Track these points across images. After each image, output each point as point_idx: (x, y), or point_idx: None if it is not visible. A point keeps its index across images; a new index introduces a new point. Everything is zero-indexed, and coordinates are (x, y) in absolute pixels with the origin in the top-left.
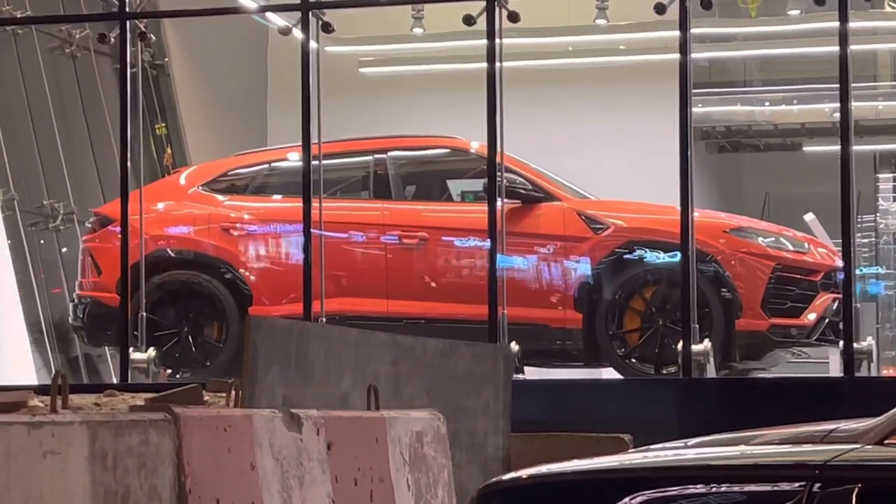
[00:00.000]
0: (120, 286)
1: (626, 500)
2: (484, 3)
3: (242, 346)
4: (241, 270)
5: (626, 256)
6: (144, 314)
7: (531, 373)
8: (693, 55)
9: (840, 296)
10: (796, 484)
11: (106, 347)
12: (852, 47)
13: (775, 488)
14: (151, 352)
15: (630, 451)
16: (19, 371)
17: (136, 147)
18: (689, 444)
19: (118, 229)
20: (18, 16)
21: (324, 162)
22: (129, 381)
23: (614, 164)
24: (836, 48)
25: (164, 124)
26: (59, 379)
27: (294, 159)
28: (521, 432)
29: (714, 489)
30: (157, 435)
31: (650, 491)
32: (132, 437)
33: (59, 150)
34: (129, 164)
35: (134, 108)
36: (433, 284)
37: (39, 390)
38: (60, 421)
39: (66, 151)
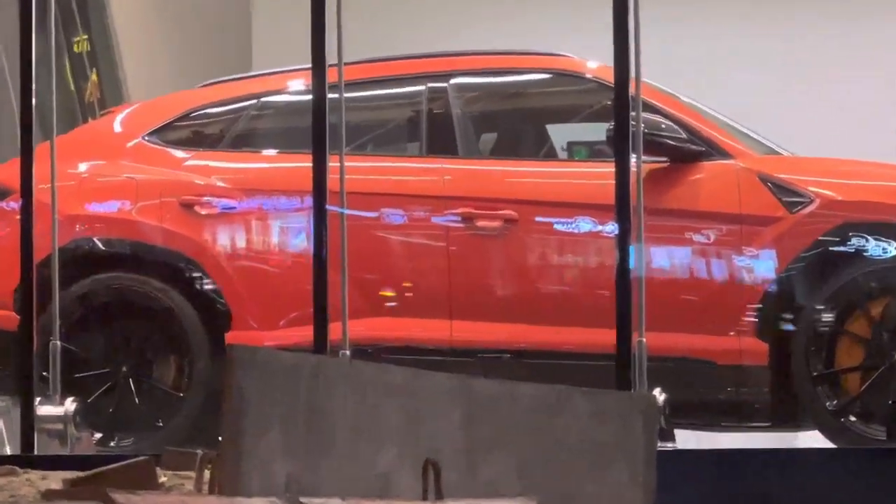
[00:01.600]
0: (19, 298)
1: None
2: None
3: (217, 396)
4: (214, 273)
5: (839, 249)
6: (58, 343)
7: (685, 438)
8: None
9: None
10: None
11: None
12: None
13: None
14: (70, 404)
15: None
16: None
17: (42, 74)
18: None
19: (16, 206)
20: None
21: (347, 95)
22: (36, 452)
23: (822, 101)
24: None
25: (86, 36)
26: None
27: (297, 91)
28: None
29: None
30: None
31: None
32: None
33: None
34: (32, 101)
35: (40, 10)
36: (525, 295)
37: None
38: None
39: None
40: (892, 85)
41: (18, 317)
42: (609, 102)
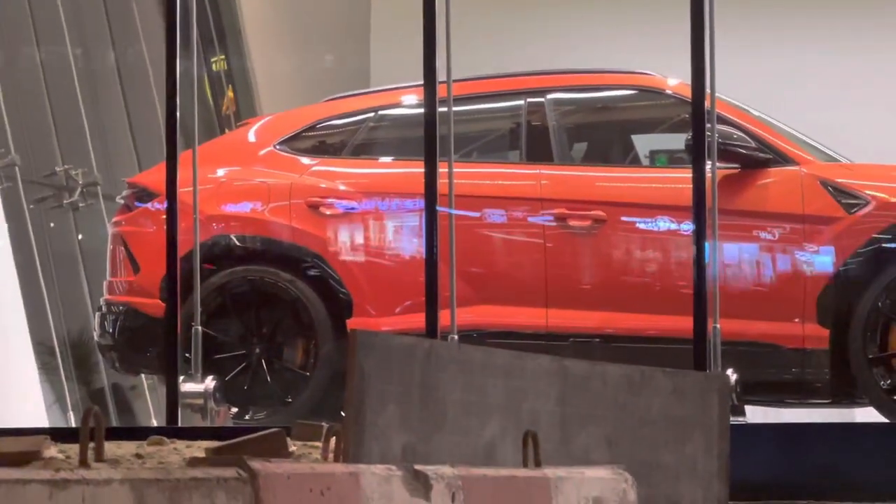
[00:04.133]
0: (165, 288)
1: None
2: None
3: (341, 375)
4: (336, 266)
5: (892, 245)
6: (199, 328)
7: (754, 414)
8: None
9: None
10: None
11: (144, 375)
12: None
13: None
14: (209, 382)
15: None
16: (25, 407)
17: (185, 91)
18: None
19: (162, 207)
20: None
21: (455, 109)
22: (180, 424)
23: (880, 112)
24: None
25: (223, 57)
26: (90, 419)
27: (411, 105)
28: (742, 501)
29: None
30: (227, 499)
31: None
32: (193, 503)
33: (77, 96)
34: (176, 114)
35: (183, 35)
36: (612, 286)
37: (55, 435)
38: (94, 479)
39: (87, 100)
40: None
41: (164, 305)
42: (687, 115)
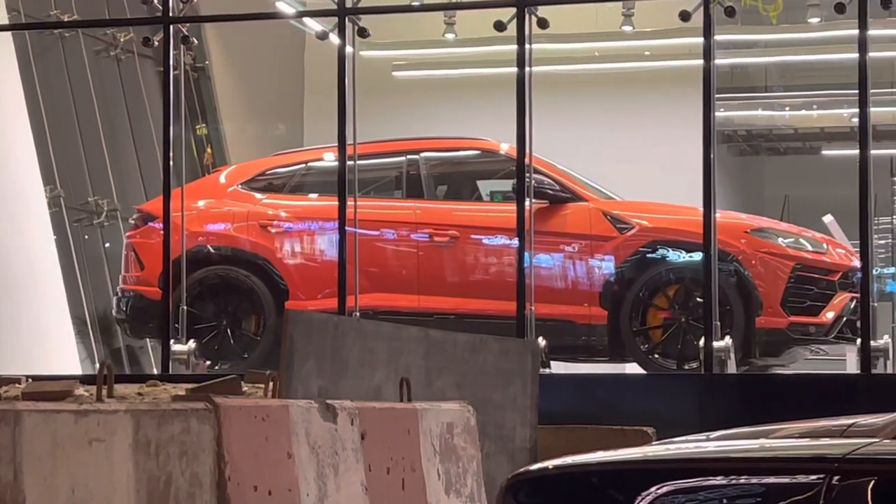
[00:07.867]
0: (162, 280)
1: (649, 490)
2: (514, 10)
3: (280, 339)
4: (278, 266)
5: (650, 255)
6: (185, 307)
7: (557, 367)
8: (716, 61)
9: (857, 295)
10: (815, 476)
11: (147, 339)
12: (871, 54)
13: (794, 480)
14: (191, 344)
15: (653, 443)
16: (64, 362)
17: (177, 147)
18: (710, 437)
19: (160, 226)
20: (65, 19)
21: (358, 162)
22: (170, 372)
23: (640, 166)
24: (856, 55)
25: (204, 125)
26: (104, 369)
27: (330, 159)
28: (547, 424)
29: (734, 481)
30: (198, 424)
31: (672, 482)
32: (174, 426)
33: (103, 149)
34: (171, 162)
35: (176, 109)
36: (463, 281)
37: (84, 380)
38: (106, 409)
39: (110, 151)
40: (689, 153)
41: (161, 291)
42: (513, 168)
